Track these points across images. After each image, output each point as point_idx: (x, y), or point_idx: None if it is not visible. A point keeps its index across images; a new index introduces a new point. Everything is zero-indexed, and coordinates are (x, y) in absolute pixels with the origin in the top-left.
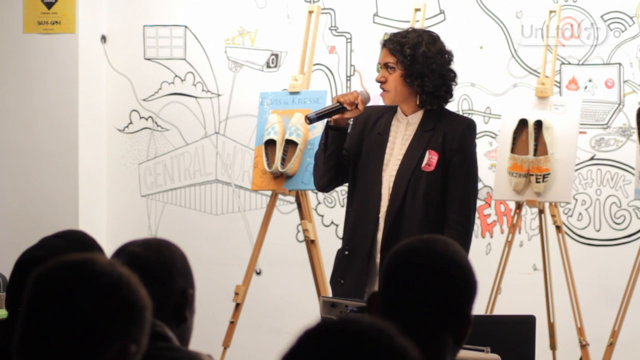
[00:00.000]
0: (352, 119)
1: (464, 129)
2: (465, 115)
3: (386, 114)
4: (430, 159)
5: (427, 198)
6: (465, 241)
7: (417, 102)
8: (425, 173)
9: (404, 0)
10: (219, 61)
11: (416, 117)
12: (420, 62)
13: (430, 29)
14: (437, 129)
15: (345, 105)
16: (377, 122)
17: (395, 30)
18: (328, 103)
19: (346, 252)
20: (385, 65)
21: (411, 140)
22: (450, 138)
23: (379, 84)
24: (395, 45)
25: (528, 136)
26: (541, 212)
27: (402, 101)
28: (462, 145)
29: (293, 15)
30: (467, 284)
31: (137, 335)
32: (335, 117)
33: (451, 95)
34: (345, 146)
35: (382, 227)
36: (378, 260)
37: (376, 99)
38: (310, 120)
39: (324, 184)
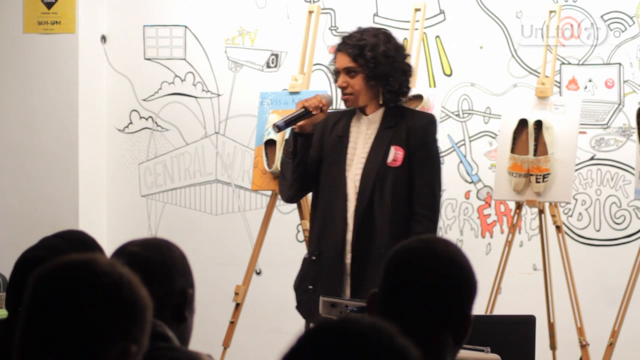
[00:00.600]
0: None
1: (427, 124)
2: (465, 115)
3: (344, 116)
4: (396, 154)
5: (395, 193)
6: (433, 235)
7: (380, 102)
8: (391, 169)
9: (404, 0)
10: (219, 61)
11: (377, 115)
12: (383, 62)
13: (430, 29)
14: (400, 125)
15: (311, 110)
16: (336, 125)
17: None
18: None
19: (313, 258)
20: (345, 70)
21: (374, 137)
22: (414, 133)
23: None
24: (355, 50)
25: (528, 136)
26: (541, 212)
27: (365, 103)
28: (425, 140)
29: (293, 15)
30: (467, 284)
31: (137, 335)
32: (301, 123)
33: (410, 90)
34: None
35: (352, 227)
36: (348, 261)
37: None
38: (279, 128)
39: (293, 194)
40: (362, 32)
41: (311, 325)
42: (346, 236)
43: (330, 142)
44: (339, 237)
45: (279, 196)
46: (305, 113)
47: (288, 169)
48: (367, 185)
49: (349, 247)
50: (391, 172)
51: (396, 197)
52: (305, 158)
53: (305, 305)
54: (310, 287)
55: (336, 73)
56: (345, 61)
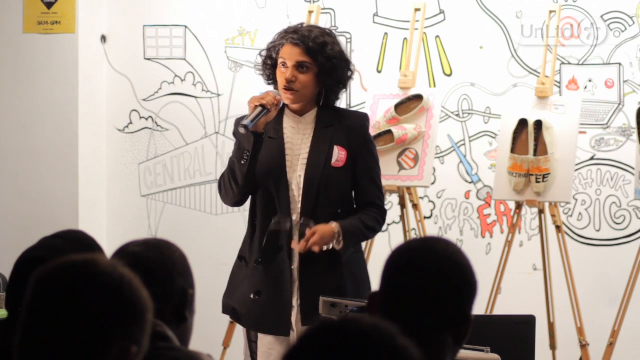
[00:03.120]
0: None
1: (365, 122)
2: (465, 115)
3: (275, 118)
4: (339, 154)
5: (339, 194)
6: (382, 224)
7: (320, 101)
8: (335, 169)
9: (404, 0)
10: (219, 61)
11: (311, 115)
12: (334, 62)
13: (430, 29)
14: (338, 125)
15: (268, 107)
16: (265, 126)
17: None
18: None
19: (255, 265)
20: (297, 64)
21: (312, 137)
22: (354, 133)
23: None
24: (314, 45)
25: (528, 136)
26: (541, 212)
27: (305, 101)
28: (367, 139)
29: (293, 15)
30: (467, 284)
31: (138, 336)
32: (259, 122)
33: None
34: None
35: (298, 231)
36: (296, 265)
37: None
38: (247, 129)
39: (242, 198)
40: (311, 29)
41: (255, 334)
42: (290, 242)
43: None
44: (286, 241)
45: (221, 197)
46: (263, 111)
47: (240, 173)
48: (312, 188)
49: (295, 252)
50: (335, 173)
51: (342, 197)
52: (255, 159)
53: (248, 315)
54: (255, 296)
55: (273, 65)
56: (298, 54)
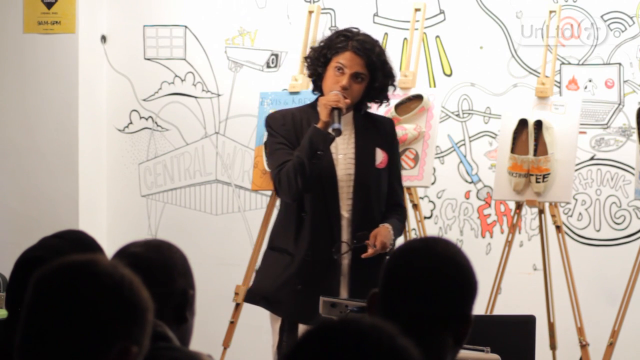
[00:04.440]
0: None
1: (394, 127)
2: (465, 115)
3: (306, 114)
4: (382, 157)
5: (382, 194)
6: (405, 222)
7: (359, 107)
8: (378, 170)
9: (404, 0)
10: (219, 61)
11: (348, 117)
12: (387, 81)
13: (430, 29)
14: (374, 128)
15: (340, 106)
16: (307, 123)
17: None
18: None
19: (306, 258)
20: (354, 74)
21: (355, 138)
22: (390, 137)
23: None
24: (376, 61)
25: (528, 136)
26: (541, 212)
27: (349, 106)
28: (397, 142)
29: (293, 15)
30: (467, 284)
31: (138, 336)
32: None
33: None
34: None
35: (348, 226)
36: (346, 261)
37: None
38: (340, 132)
39: (305, 193)
40: (374, 41)
41: (304, 325)
42: (341, 237)
43: None
44: (335, 237)
45: (282, 192)
46: (340, 112)
47: (310, 170)
48: (364, 187)
49: (345, 247)
50: (378, 174)
51: (383, 197)
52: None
53: (291, 305)
54: (300, 286)
55: (324, 63)
56: (358, 65)
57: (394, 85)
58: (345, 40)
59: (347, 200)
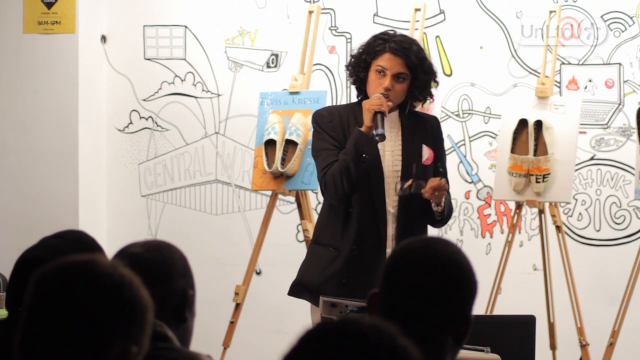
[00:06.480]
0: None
1: (440, 125)
2: (465, 115)
3: (352, 112)
4: (428, 153)
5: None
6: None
7: (404, 105)
8: (424, 166)
9: (404, 0)
10: (219, 61)
11: (393, 115)
12: (428, 78)
13: (430, 29)
14: (421, 126)
15: (382, 110)
16: (354, 121)
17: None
18: (328, 103)
19: (354, 253)
20: (396, 75)
21: (402, 135)
22: (436, 135)
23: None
24: (415, 60)
25: (528, 136)
26: (541, 212)
27: (393, 106)
28: (441, 137)
29: (293, 15)
30: (467, 284)
31: (138, 336)
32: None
33: None
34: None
35: (393, 222)
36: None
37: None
38: (384, 137)
39: (351, 194)
40: (411, 41)
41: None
42: (387, 232)
43: None
44: (382, 233)
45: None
46: (383, 115)
47: (356, 172)
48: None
49: (390, 243)
50: (425, 170)
51: None
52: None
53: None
54: (344, 280)
55: (365, 68)
56: (399, 66)
57: (436, 82)
58: (382, 42)
59: (393, 197)
